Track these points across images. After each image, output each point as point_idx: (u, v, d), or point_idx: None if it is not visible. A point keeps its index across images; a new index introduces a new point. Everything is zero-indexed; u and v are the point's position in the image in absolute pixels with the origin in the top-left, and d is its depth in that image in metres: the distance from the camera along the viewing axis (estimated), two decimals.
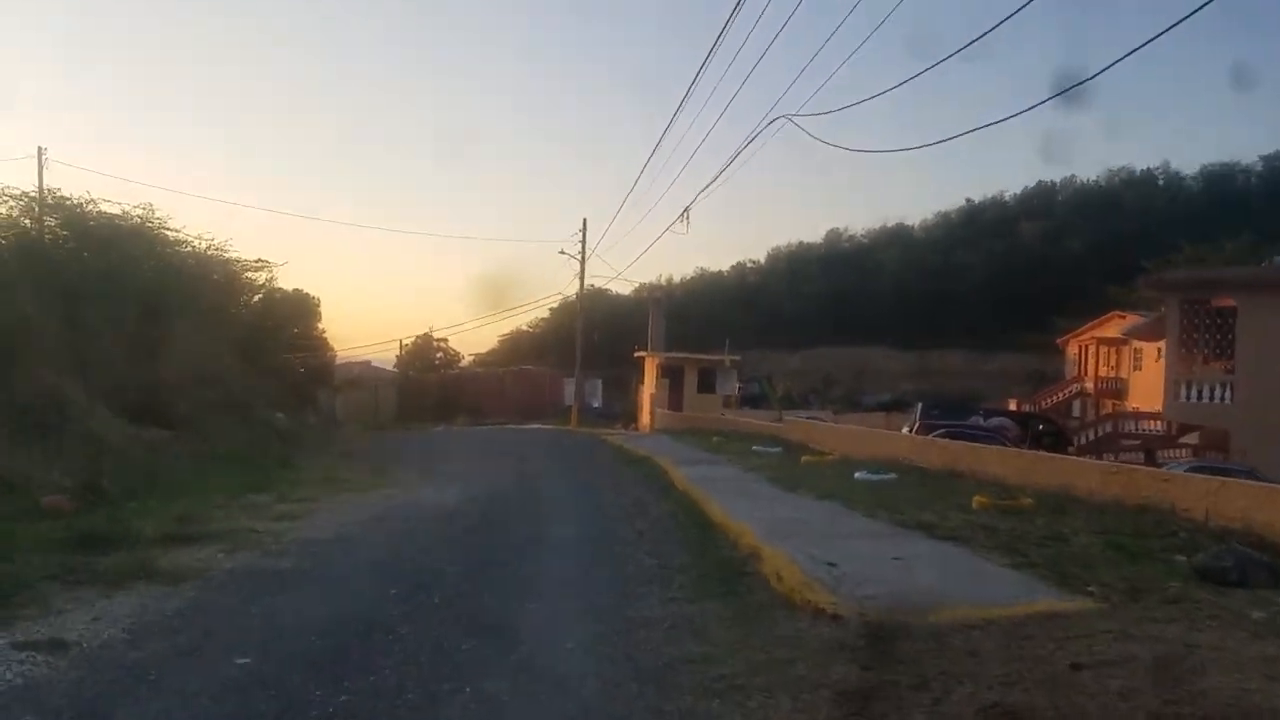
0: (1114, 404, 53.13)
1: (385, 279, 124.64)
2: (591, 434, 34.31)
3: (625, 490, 15.35)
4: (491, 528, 11.40)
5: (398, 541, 10.28)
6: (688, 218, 17.97)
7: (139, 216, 25.85)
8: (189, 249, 29.58)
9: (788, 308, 76.62)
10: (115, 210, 25.30)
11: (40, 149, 31.85)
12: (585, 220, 42.14)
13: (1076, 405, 53.98)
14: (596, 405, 49.59)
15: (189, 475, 14.50)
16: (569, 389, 47.18)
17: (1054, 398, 54.71)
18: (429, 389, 54.88)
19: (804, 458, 18.68)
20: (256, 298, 38.63)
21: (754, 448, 21.35)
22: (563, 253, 42.49)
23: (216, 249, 31.23)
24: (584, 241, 41.54)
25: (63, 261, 22.01)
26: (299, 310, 65.05)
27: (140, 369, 17.27)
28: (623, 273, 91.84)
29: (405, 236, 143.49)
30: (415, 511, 12.60)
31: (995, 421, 33.89)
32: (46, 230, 23.84)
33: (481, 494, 14.55)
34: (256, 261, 35.17)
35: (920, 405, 35.25)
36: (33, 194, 24.15)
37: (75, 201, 25.47)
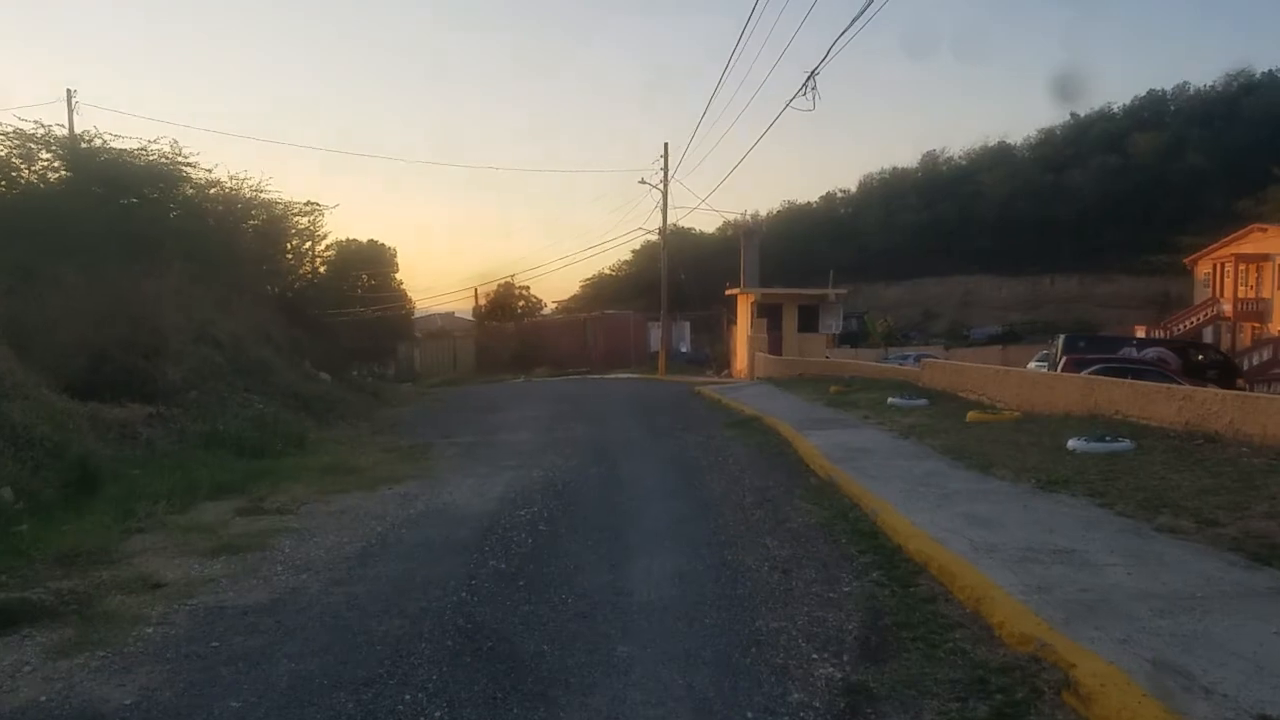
0: (1255, 327, 46.10)
1: (464, 223, 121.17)
2: (682, 384, 29.54)
3: (740, 475, 10.55)
4: (540, 567, 6.75)
5: (375, 615, 5.71)
6: (813, 88, 12.68)
7: (157, 153, 21.87)
8: (218, 190, 25.63)
9: (882, 238, 70.02)
10: (127, 146, 21.43)
11: (69, 91, 28.44)
12: (666, 145, 36.94)
13: (1209, 331, 47.08)
14: (685, 350, 44.81)
15: (140, 469, 10.28)
16: (655, 334, 42.51)
17: (1187, 323, 47.71)
18: (507, 339, 50.82)
19: (970, 414, 13.55)
20: (321, 246, 34.76)
21: (890, 400, 16.29)
22: (643, 182, 37.54)
23: (254, 190, 27.22)
24: (666, 168, 36.44)
25: (60, 206, 18.11)
26: (373, 260, 62.04)
27: (109, 330, 13.11)
28: (707, 198, 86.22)
29: (480, 174, 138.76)
30: (433, 533, 8.05)
31: (1152, 353, 27.96)
32: (47, 170, 19.99)
33: (538, 490, 9.93)
34: (306, 204, 31.07)
35: (1063, 338, 29.36)
36: (29, 132, 20.26)
37: (86, 139, 21.69)
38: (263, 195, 27.95)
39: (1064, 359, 25.08)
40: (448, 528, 8.23)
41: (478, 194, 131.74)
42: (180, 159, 22.82)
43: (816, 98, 12.97)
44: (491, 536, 7.78)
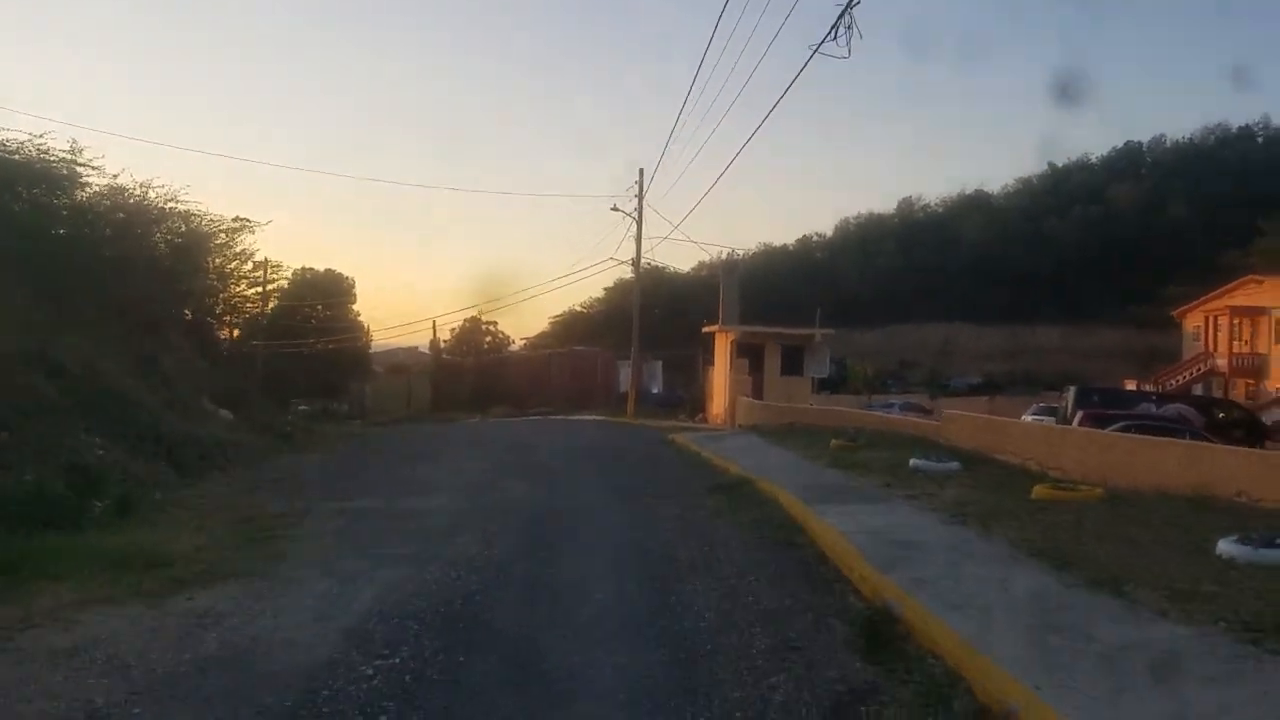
0: (1249, 384, 43.37)
1: (428, 252, 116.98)
2: (652, 429, 25.84)
3: (738, 586, 6.76)
4: None
5: None
6: (848, 27, 9.20)
7: (43, 154, 18.09)
8: (120, 196, 21.78)
9: (859, 283, 67.18)
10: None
11: None
12: (641, 170, 33.54)
13: (1200, 387, 44.22)
14: (656, 391, 41.12)
15: None
16: (624, 373, 38.86)
17: (1179, 378, 44.83)
18: (465, 375, 46.90)
19: (1037, 489, 9.96)
20: (248, 266, 30.80)
21: (913, 461, 12.70)
22: (616, 209, 34.07)
23: (167, 199, 23.35)
24: (640, 194, 33.07)
25: None
26: (329, 290, 57.96)
27: None
28: (682, 222, 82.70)
29: (448, 198, 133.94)
30: (192, 715, 4.31)
31: (1173, 409, 24.84)
32: None
33: (422, 612, 6.09)
34: (234, 220, 27.26)
35: (1074, 391, 26.21)
36: None
37: None
38: (178, 206, 24.13)
39: (1079, 414, 21.83)
40: (227, 700, 4.47)
41: (441, 223, 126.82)
42: (78, 161, 19.13)
43: (853, 38, 9.48)
44: None
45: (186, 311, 26.91)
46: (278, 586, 6.77)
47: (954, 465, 12.41)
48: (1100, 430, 11.66)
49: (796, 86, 12.03)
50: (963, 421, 15.41)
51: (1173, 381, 43.88)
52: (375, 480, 14.03)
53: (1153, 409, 24.55)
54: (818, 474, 12.75)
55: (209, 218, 25.53)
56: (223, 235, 26.92)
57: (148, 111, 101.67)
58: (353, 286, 58.38)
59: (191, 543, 8.23)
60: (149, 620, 5.89)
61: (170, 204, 23.85)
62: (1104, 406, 24.77)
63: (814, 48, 9.81)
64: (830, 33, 9.53)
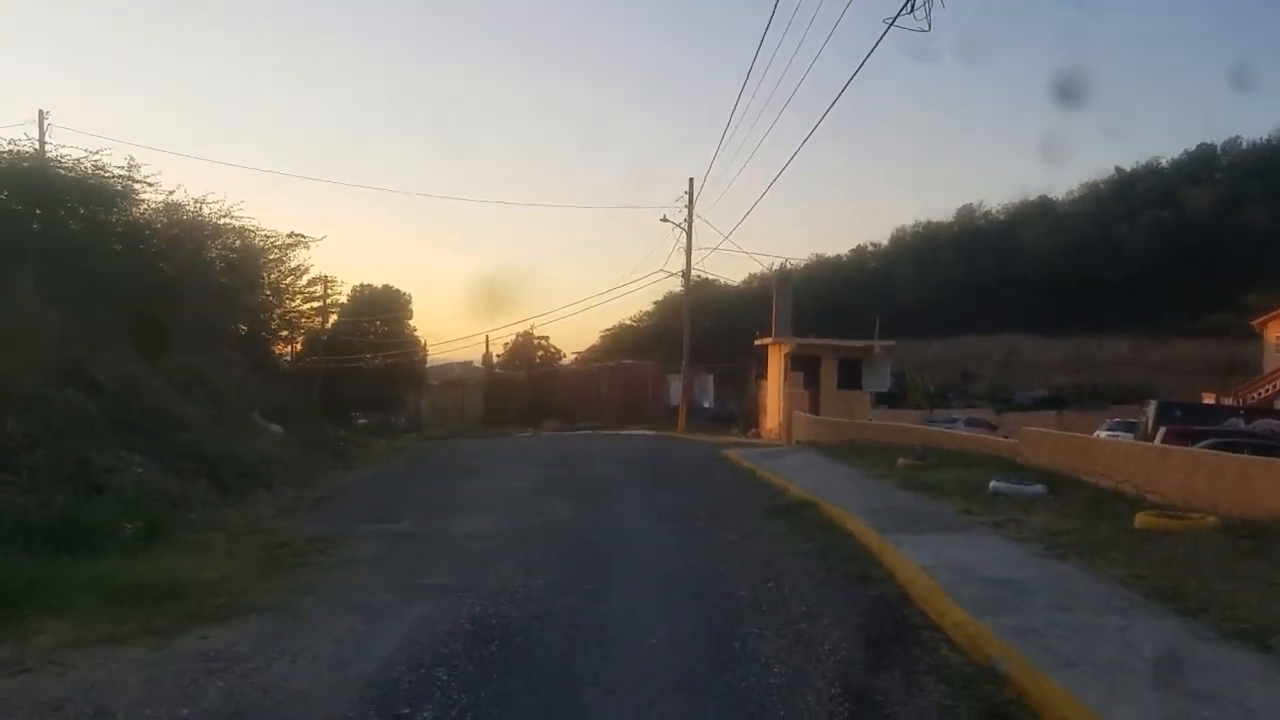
0: None
1: (480, 267, 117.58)
2: (704, 445, 25.02)
3: (807, 632, 5.92)
4: None
5: None
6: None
7: (92, 166, 18.14)
8: (177, 214, 21.80)
9: (917, 293, 65.30)
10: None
11: (41, 112, 24.81)
12: (692, 180, 32.81)
13: None
14: (708, 406, 40.26)
15: None
16: (675, 387, 38.11)
17: (1260, 391, 42.41)
18: (517, 389, 46.56)
19: (1140, 517, 8.93)
20: (303, 281, 30.67)
21: (993, 484, 11.71)
22: (665, 219, 33.40)
23: (222, 215, 23.30)
24: (690, 204, 32.33)
25: None
26: (387, 306, 58.29)
27: None
28: (733, 232, 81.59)
29: (493, 214, 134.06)
30: None
31: (1264, 425, 23.26)
32: None
33: (453, 655, 5.35)
34: (289, 236, 27.19)
35: (1155, 405, 24.74)
36: None
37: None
38: (232, 222, 24.08)
39: (1162, 430, 20.44)
40: None
41: (491, 236, 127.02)
42: (134, 177, 19.19)
43: (933, 7, 8.60)
44: None
45: (242, 326, 26.90)
46: (300, 624, 6.14)
47: (1039, 488, 11.40)
48: (1209, 450, 10.54)
49: (851, 94, 11.24)
50: (1043, 439, 14.31)
51: (1254, 395, 41.55)
52: (419, 499, 13.46)
53: (1241, 425, 22.99)
54: (886, 496, 11.82)
55: (263, 233, 25.45)
56: (277, 251, 26.83)
57: (202, 130, 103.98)
58: (410, 302, 58.70)
59: (217, 570, 7.68)
60: (152, 664, 5.29)
61: (224, 219, 23.85)
62: (1186, 422, 23.33)
63: (889, 21, 8.93)
64: (907, 4, 8.65)
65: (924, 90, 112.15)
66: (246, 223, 24.37)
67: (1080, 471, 12.31)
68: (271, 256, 26.15)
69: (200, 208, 22.73)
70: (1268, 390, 42.44)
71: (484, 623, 6.14)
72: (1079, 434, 16.25)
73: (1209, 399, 41.40)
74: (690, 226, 32.57)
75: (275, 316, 28.09)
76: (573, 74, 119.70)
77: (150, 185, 20.07)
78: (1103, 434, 27.90)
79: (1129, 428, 28.74)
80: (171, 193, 22.04)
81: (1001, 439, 16.92)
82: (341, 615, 6.36)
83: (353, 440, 23.66)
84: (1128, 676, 4.73)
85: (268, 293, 26.86)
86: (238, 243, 24.85)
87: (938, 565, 7.42)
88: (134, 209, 19.84)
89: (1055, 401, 51.82)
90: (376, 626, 6.04)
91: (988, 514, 10.15)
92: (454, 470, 18.23)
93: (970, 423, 37.03)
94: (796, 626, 6.10)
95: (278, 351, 32.52)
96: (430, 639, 5.72)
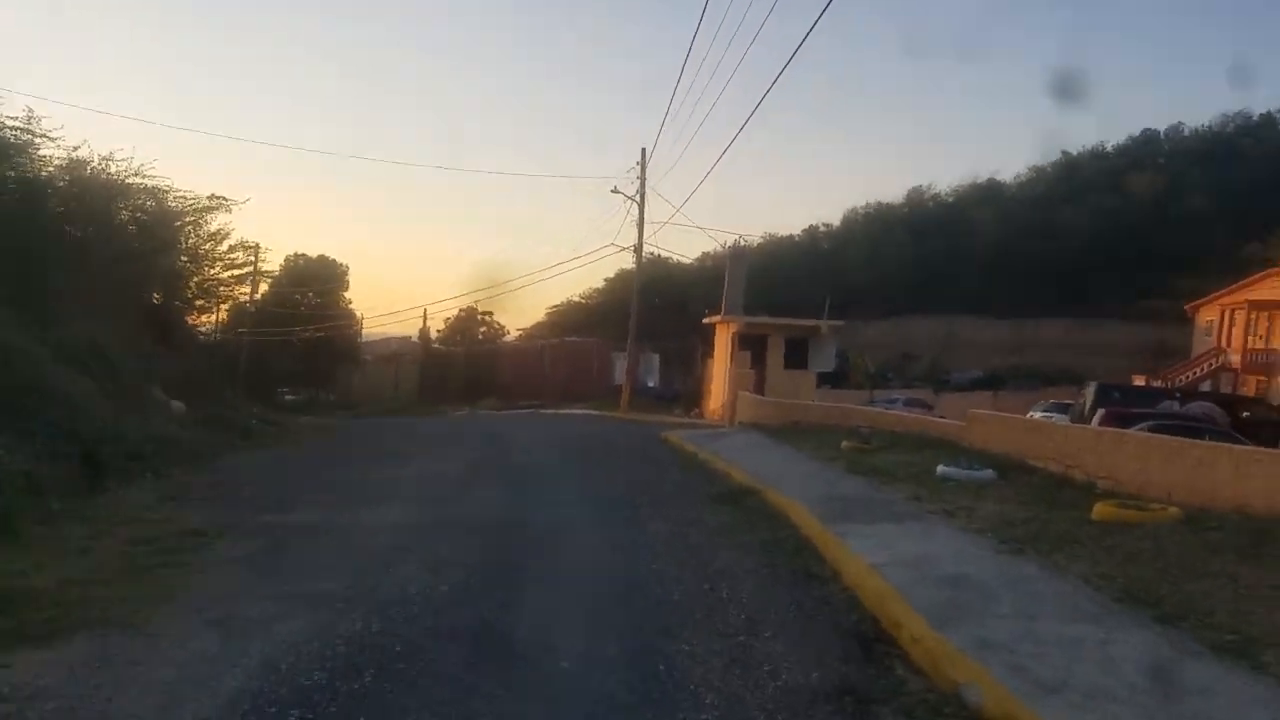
0: (1260, 381, 41.53)
1: (424, 238, 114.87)
2: (647, 425, 24.24)
3: (749, 645, 5.17)
4: None
5: None
6: None
7: None
8: (81, 171, 20.22)
9: (866, 274, 65.30)
10: None
11: None
12: (644, 150, 31.74)
13: (1209, 384, 42.33)
14: (652, 385, 39.50)
15: None
16: (619, 365, 37.25)
17: (1188, 374, 42.98)
18: (455, 366, 45.22)
19: (1098, 507, 8.29)
20: (224, 247, 28.86)
21: (940, 468, 11.08)
22: (616, 190, 32.32)
23: (131, 173, 21.73)
24: (643, 177, 31.30)
25: None
26: (322, 277, 56.19)
27: None
28: (684, 205, 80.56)
29: (444, 180, 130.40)
30: None
31: (1197, 408, 23.23)
32: None
33: (308, 700, 4.47)
34: (210, 198, 25.56)
35: (1094, 387, 24.55)
36: None
37: None
38: (144, 181, 22.48)
39: (1101, 413, 20.22)
40: None
41: (437, 206, 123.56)
42: (32, 130, 17.69)
43: None
44: None
45: (156, 295, 25.27)
46: (140, 645, 5.13)
47: (988, 473, 10.79)
48: (1162, 436, 10.01)
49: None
50: (990, 422, 13.75)
51: (1182, 378, 42.15)
52: (328, 485, 12.38)
53: (1176, 407, 22.91)
54: (833, 482, 11.11)
55: (178, 194, 23.84)
56: (194, 214, 25.20)
57: (119, 90, 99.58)
58: (346, 273, 56.72)
59: (62, 573, 6.58)
60: None
61: (134, 179, 22.26)
62: (1125, 404, 23.19)
63: None
64: None
65: (882, 71, 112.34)
66: (160, 182, 22.81)
67: (1029, 455, 11.75)
68: (189, 220, 24.51)
69: (107, 165, 21.18)
70: (1195, 373, 43.07)
71: (365, 643, 5.20)
72: (1029, 418, 15.78)
73: (1139, 381, 41.87)
74: (642, 199, 31.57)
75: (192, 285, 26.42)
76: (521, 35, 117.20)
77: (52, 140, 18.57)
78: (1037, 415, 27.78)
79: (1063, 409, 28.69)
80: (76, 149, 20.54)
81: (948, 421, 16.35)
82: (196, 633, 5.36)
83: (269, 418, 22.30)
84: (1120, 708, 3.99)
85: (185, 259, 25.24)
86: (150, 203, 23.27)
87: (890, 561, 6.68)
88: (31, 164, 18.31)
89: (990, 382, 52.22)
90: (233, 648, 5.06)
91: (938, 501, 9.48)
92: (375, 451, 17.13)
93: (909, 403, 36.93)
94: (734, 640, 5.29)
95: (196, 322, 30.82)
96: (293, 666, 4.76)
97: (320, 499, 10.98)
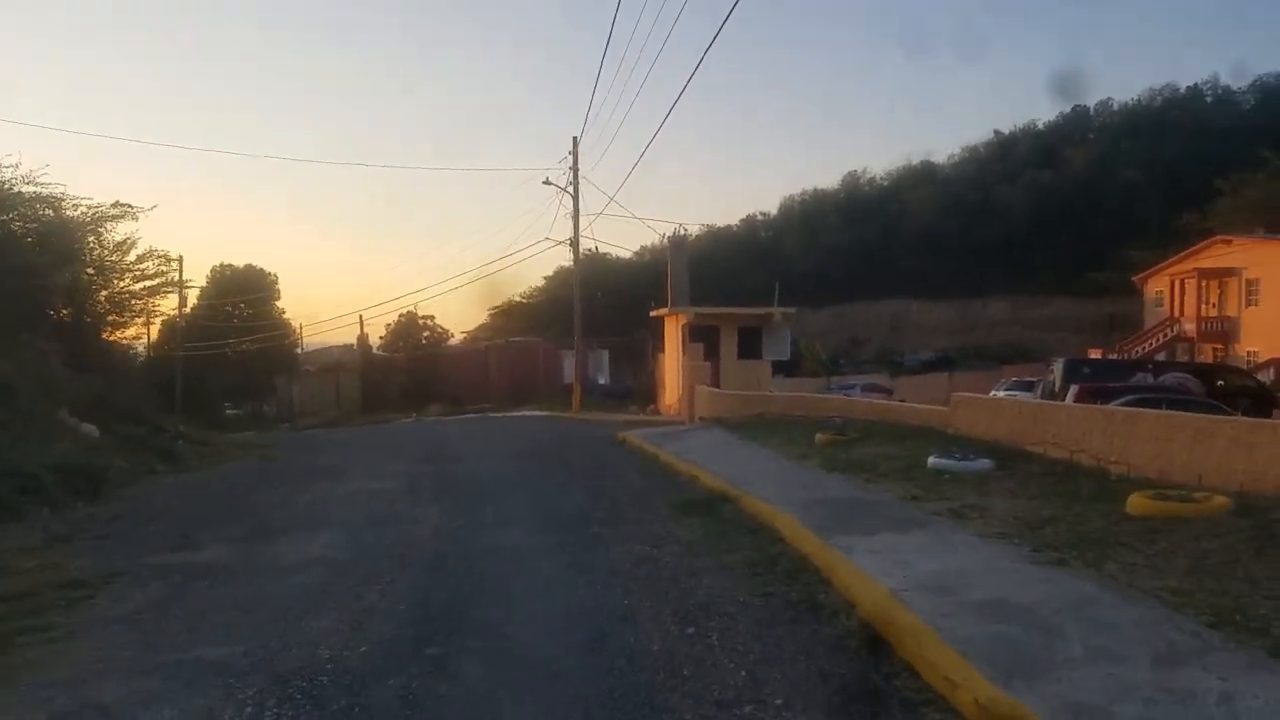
0: (1217, 349, 41.71)
1: (353, 242, 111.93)
2: (601, 425, 22.94)
3: None
4: None
5: None
6: None
7: None
8: None
9: (805, 261, 64.73)
10: None
11: None
12: (576, 139, 30.34)
13: (1165, 354, 42.39)
14: (604, 382, 38.16)
15: None
16: (568, 364, 35.84)
17: (1144, 345, 43.00)
18: (397, 372, 43.37)
19: (1133, 499, 7.19)
20: (131, 257, 26.69)
21: (931, 460, 9.97)
22: (548, 182, 30.89)
23: (23, 180, 19.76)
24: (575, 167, 29.90)
25: None
26: (250, 287, 53.70)
27: None
28: (617, 194, 79.24)
29: (365, 183, 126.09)
30: None
31: (1171, 379, 22.61)
32: None
33: None
34: (114, 206, 23.56)
35: (1062, 363, 23.81)
36: None
37: None
38: (37, 189, 20.48)
39: (1074, 389, 19.46)
40: None
41: (364, 208, 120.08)
42: None
43: None
44: None
45: (63, 311, 23.18)
46: None
47: (985, 463, 9.71)
48: (1191, 414, 9.01)
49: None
50: (979, 405, 12.71)
51: (1138, 350, 42.13)
52: (248, 511, 10.86)
53: (1150, 379, 22.29)
54: (815, 482, 9.92)
55: (76, 202, 21.84)
56: (97, 224, 23.15)
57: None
58: (276, 282, 54.41)
59: None
60: None
61: (27, 186, 20.26)
62: (1095, 378, 22.50)
63: None
64: None
65: (807, 55, 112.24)
66: (55, 190, 20.81)
67: (1023, 441, 10.71)
68: (90, 228, 22.49)
69: None
70: (1150, 344, 43.07)
71: None
72: (1024, 400, 14.83)
73: (1095, 355, 41.74)
74: (576, 190, 30.17)
75: (101, 299, 24.35)
76: (445, 24, 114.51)
77: None
78: (1000, 394, 27.13)
79: (1026, 387, 28.06)
80: None
81: (927, 407, 15.30)
82: None
83: (197, 437, 20.47)
84: None
85: (90, 271, 23.18)
86: (48, 212, 21.25)
87: (910, 584, 5.48)
88: None
89: (943, 363, 51.94)
90: None
91: (939, 499, 8.34)
92: (308, 469, 15.54)
93: (866, 388, 36.18)
94: (739, 714, 4.02)
95: (118, 339, 28.62)
96: None
97: (236, 530, 9.51)
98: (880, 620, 5.00)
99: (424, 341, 61.05)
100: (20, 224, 20.48)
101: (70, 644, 5.56)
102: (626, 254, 63.43)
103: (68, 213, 21.61)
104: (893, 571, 5.81)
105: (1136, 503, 6.99)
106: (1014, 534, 6.75)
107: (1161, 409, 11.24)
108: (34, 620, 6.03)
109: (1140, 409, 10.03)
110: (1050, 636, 4.49)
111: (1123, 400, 15.20)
